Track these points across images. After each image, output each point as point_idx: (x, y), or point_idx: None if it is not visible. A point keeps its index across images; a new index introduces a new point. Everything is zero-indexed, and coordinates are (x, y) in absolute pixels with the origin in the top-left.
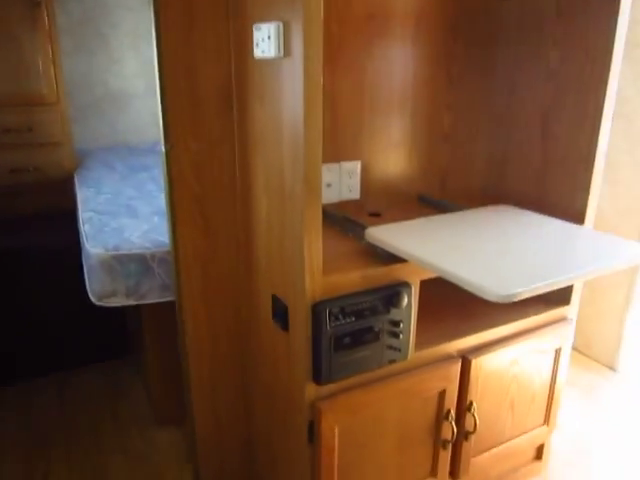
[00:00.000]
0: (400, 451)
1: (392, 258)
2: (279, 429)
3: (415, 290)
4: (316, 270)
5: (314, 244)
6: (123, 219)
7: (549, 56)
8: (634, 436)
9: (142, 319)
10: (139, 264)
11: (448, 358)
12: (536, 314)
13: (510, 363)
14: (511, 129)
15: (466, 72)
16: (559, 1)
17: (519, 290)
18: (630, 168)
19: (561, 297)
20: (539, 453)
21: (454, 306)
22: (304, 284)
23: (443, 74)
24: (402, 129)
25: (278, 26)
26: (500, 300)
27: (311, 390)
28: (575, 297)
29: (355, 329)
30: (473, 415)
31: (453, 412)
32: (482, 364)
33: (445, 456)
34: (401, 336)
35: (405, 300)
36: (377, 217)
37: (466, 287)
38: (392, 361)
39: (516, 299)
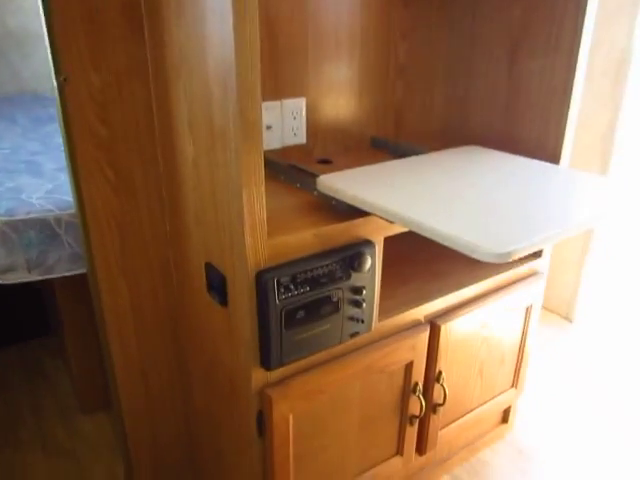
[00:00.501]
0: (363, 433)
1: (351, 211)
2: (223, 419)
3: (379, 249)
4: (259, 231)
5: (255, 198)
6: (22, 178)
7: None
8: (591, 387)
9: (56, 295)
10: (41, 231)
11: (415, 325)
12: (506, 270)
13: (480, 325)
14: (474, 61)
15: None
16: None
17: (517, 247)
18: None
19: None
20: (505, 416)
21: (416, 265)
22: (244, 249)
23: None
24: (351, 61)
25: None
26: (496, 260)
27: (258, 376)
28: (547, 249)
29: (310, 300)
30: (442, 386)
31: (421, 385)
32: (451, 329)
33: (412, 432)
34: (364, 305)
35: (368, 262)
36: (328, 164)
37: (450, 245)
38: (354, 334)
39: (514, 258)
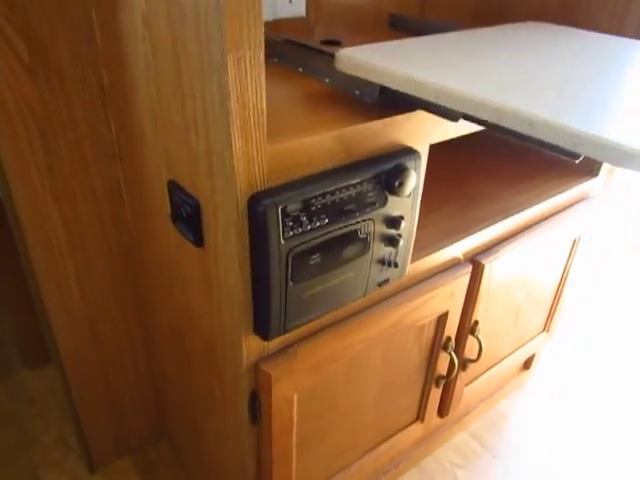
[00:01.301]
0: (380, 403)
1: (383, 106)
2: (202, 396)
3: (424, 162)
4: (255, 130)
5: (249, 73)
6: None
7: None
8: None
9: None
10: None
11: (454, 266)
12: (557, 192)
13: (524, 263)
14: None
15: None
16: None
17: None
18: None
19: (586, 166)
20: (528, 362)
21: (447, 185)
22: (231, 158)
23: None
24: None
25: None
26: None
27: (252, 346)
28: (604, 166)
29: (329, 238)
30: (477, 338)
31: (453, 339)
32: (495, 269)
33: (436, 394)
34: (401, 242)
35: (412, 180)
36: (336, 46)
37: (595, 154)
38: (384, 283)
39: None
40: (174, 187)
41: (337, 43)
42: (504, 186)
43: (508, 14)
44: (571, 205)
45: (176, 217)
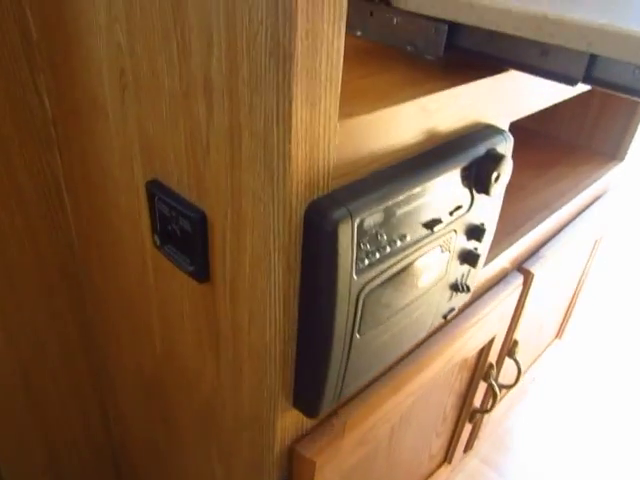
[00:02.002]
0: (414, 454)
1: (452, 64)
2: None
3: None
4: (326, 92)
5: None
6: None
7: None
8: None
9: None
10: None
11: (504, 278)
12: (593, 178)
13: (561, 264)
14: None
15: None
16: None
17: None
18: None
19: (612, 149)
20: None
21: None
22: (286, 140)
23: None
24: None
25: None
26: None
27: (288, 423)
28: (633, 148)
29: (407, 263)
30: (515, 360)
31: (495, 365)
32: (542, 277)
33: (467, 431)
34: (480, 257)
35: (507, 167)
36: None
37: None
38: (449, 313)
39: None
40: (158, 190)
41: None
42: (534, 174)
43: None
44: (599, 196)
45: (162, 237)
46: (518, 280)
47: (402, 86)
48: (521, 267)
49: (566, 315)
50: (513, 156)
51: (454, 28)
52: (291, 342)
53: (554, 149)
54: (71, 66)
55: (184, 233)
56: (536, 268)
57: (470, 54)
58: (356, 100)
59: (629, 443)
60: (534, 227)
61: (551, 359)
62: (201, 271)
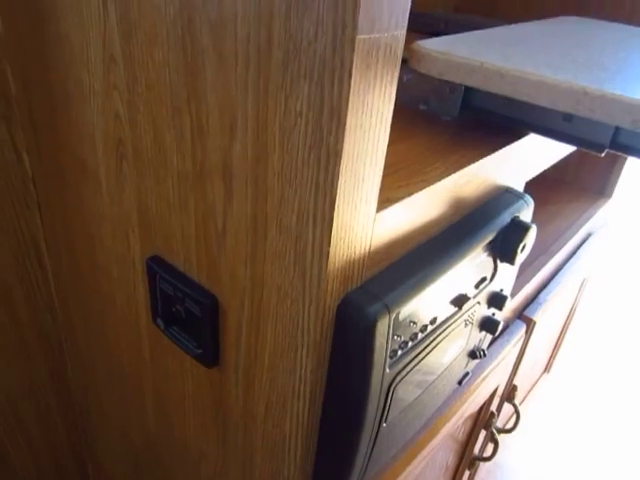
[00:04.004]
0: None
1: (467, 124)
2: None
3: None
4: (368, 186)
5: (381, 75)
6: None
7: None
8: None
9: None
10: None
11: (507, 326)
12: (586, 216)
13: (555, 307)
14: None
15: None
16: None
17: None
18: None
19: (599, 185)
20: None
21: None
22: (325, 240)
23: None
24: None
25: None
26: None
27: None
28: (620, 186)
29: (437, 344)
30: (514, 405)
31: (496, 413)
32: (542, 323)
33: (465, 477)
34: (499, 323)
35: (531, 236)
36: None
37: None
38: (464, 379)
39: None
40: (161, 269)
41: None
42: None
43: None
44: (589, 234)
45: (165, 318)
46: (521, 329)
47: (430, 158)
48: (522, 315)
49: (554, 350)
50: None
51: (470, 89)
52: (314, 435)
53: (541, 186)
54: (56, 127)
55: (191, 315)
56: (538, 315)
57: (485, 113)
58: (389, 180)
59: (618, 474)
60: (535, 274)
61: (539, 393)
62: (209, 356)
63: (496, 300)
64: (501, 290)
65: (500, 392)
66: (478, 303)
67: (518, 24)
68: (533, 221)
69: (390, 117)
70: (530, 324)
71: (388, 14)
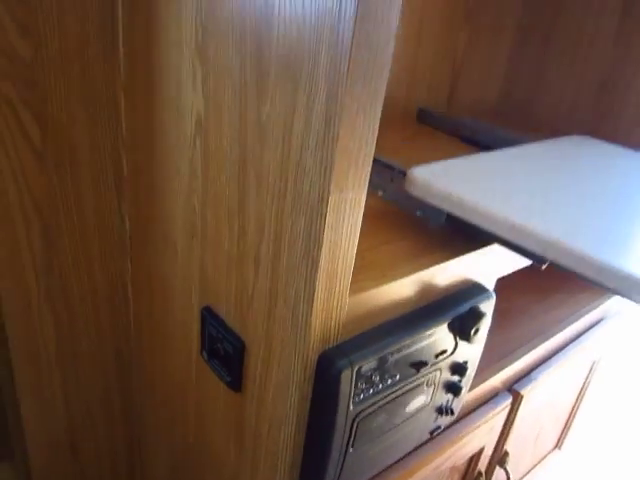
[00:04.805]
0: None
1: (452, 230)
2: None
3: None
4: (341, 280)
5: (347, 216)
6: None
7: None
8: None
9: None
10: None
11: (494, 397)
12: (588, 308)
13: (554, 384)
14: (563, 14)
15: None
16: None
17: None
18: None
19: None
20: None
21: None
22: (309, 314)
23: None
24: None
25: None
26: None
27: None
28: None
29: (397, 396)
30: (506, 470)
31: (484, 474)
32: (532, 396)
33: None
34: (462, 389)
35: (485, 323)
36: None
37: None
38: (435, 431)
39: None
40: (210, 316)
41: None
42: (534, 299)
43: (529, 110)
44: (595, 322)
45: (209, 351)
46: (507, 400)
47: (407, 258)
48: (512, 388)
49: (565, 427)
50: (518, 281)
51: None
52: (299, 451)
53: (555, 275)
54: (151, 204)
55: (227, 353)
56: (526, 390)
57: (463, 224)
58: (365, 274)
59: None
60: (527, 352)
61: (550, 469)
62: (236, 384)
63: (458, 369)
64: (465, 362)
65: (488, 454)
66: (439, 370)
67: (522, 147)
68: (496, 311)
69: (356, 240)
70: (517, 397)
71: (351, 183)
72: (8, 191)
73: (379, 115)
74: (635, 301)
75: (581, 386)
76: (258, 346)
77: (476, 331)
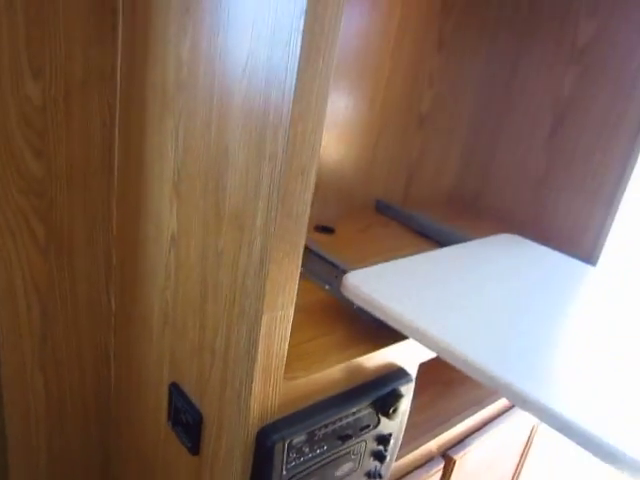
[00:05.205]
0: None
1: (378, 324)
2: None
3: (414, 383)
4: (274, 373)
5: (279, 325)
6: None
7: (578, 27)
8: None
9: None
10: None
11: (428, 462)
12: None
13: (490, 450)
14: (506, 120)
15: (460, 32)
16: None
17: None
18: None
19: None
20: None
21: (424, 369)
22: (249, 397)
23: (433, 32)
24: (370, 102)
25: None
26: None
27: None
28: None
29: (325, 463)
30: None
31: None
32: (465, 461)
33: None
34: (387, 457)
35: (405, 404)
36: (329, 234)
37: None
38: None
39: None
40: (176, 391)
41: (331, 230)
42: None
43: (479, 205)
44: None
45: (174, 420)
46: (439, 465)
47: (339, 349)
48: (445, 453)
49: None
50: None
51: None
52: None
53: None
54: (133, 291)
55: (188, 423)
56: (459, 455)
57: None
58: (301, 363)
59: None
60: (462, 420)
61: None
62: (195, 449)
63: (382, 440)
64: (389, 434)
65: None
66: (364, 441)
67: (451, 248)
68: (439, 382)
69: (286, 343)
70: (450, 461)
71: (280, 304)
72: (15, 279)
73: (300, 259)
74: (515, 403)
75: (522, 450)
76: (212, 420)
77: (394, 410)
